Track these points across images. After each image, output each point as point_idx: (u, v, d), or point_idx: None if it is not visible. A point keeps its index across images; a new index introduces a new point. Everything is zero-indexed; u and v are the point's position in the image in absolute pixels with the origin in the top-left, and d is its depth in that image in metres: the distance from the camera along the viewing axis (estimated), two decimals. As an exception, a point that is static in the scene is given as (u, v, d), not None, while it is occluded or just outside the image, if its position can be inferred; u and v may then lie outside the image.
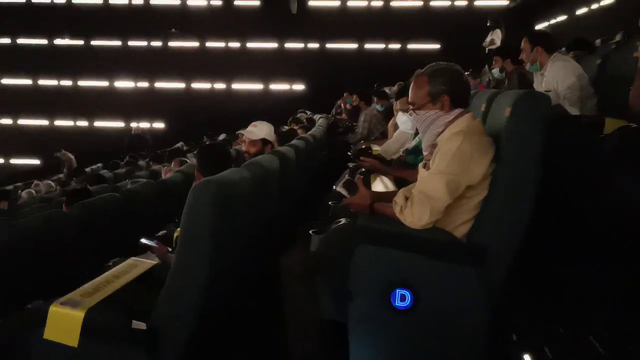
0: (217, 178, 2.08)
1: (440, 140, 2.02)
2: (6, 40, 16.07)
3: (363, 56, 14.33)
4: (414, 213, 1.92)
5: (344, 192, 2.25)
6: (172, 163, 5.78)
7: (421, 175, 2.10)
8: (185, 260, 1.97)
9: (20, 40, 16.03)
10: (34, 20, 15.71)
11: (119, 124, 15.50)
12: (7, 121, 16.04)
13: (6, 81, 16.10)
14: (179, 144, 11.92)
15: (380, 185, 2.89)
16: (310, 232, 2.10)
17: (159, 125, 15.47)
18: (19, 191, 9.13)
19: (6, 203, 6.54)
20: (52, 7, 15.87)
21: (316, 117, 8.83)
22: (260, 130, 3.69)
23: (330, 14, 14.50)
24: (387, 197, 2.19)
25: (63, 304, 2.07)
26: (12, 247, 2.60)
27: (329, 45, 14.60)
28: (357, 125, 6.52)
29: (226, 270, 2.14)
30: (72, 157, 12.56)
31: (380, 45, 14.51)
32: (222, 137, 11.16)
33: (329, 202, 2.81)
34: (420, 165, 2.18)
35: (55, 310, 2.04)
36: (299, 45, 14.74)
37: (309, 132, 5.33)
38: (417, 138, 3.29)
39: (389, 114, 5.96)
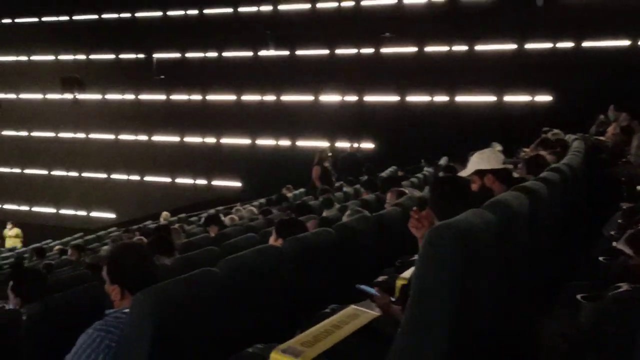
0: (458, 222, 2.13)
1: None
2: (213, 55, 18.71)
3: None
4: None
5: (627, 249, 2.11)
6: (388, 194, 6.02)
7: None
8: (418, 320, 2.04)
9: (226, 54, 18.50)
10: (240, 31, 17.98)
11: (323, 144, 16.73)
12: (211, 140, 18.53)
13: (211, 97, 18.66)
14: (391, 169, 12.25)
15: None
16: (580, 297, 2.02)
17: (368, 145, 16.25)
18: (222, 216, 10.39)
19: (216, 229, 7.56)
20: (257, 15, 18.00)
21: (569, 137, 8.35)
22: (470, 164, 3.72)
23: (589, 3, 13.69)
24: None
25: (284, 351, 2.35)
26: (226, 284, 3.00)
27: (587, 44, 13.79)
28: (630, 152, 6.03)
29: (469, 336, 2.16)
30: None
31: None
32: (443, 161, 11.23)
33: (600, 258, 2.66)
34: None
35: (277, 358, 2.32)
36: (545, 45, 14.21)
37: (562, 161, 5.08)
38: None
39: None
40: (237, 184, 18.13)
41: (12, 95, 21.73)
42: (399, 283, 3.28)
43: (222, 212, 12.00)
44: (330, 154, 12.78)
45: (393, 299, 3.09)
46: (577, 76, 13.12)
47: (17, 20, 22.21)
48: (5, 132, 22.03)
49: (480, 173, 3.85)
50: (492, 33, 14.61)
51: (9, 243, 17.59)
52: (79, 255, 9.73)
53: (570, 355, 1.91)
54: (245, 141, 18.01)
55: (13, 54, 22.07)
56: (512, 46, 14.60)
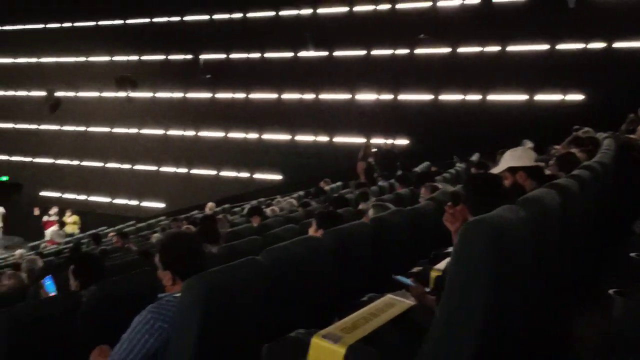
0: (492, 217, 2.08)
1: None
2: (255, 55, 18.83)
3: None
4: None
5: (660, 247, 2.06)
6: (422, 189, 5.97)
7: None
8: (453, 312, 2.01)
9: (267, 54, 18.60)
10: (281, 33, 18.05)
11: (359, 140, 16.69)
12: (254, 136, 18.67)
13: (254, 95, 18.79)
14: (424, 164, 12.14)
15: None
16: (611, 292, 1.96)
17: (403, 141, 16.13)
18: (263, 207, 10.47)
19: (258, 219, 7.62)
20: (298, 18, 18.03)
21: (599, 135, 8.11)
22: (502, 162, 3.66)
23: (621, 4, 13.28)
24: None
25: (325, 337, 2.37)
26: (270, 272, 3.02)
27: (618, 44, 13.38)
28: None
29: (501, 332, 2.13)
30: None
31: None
32: (474, 157, 11.07)
33: (631, 254, 2.58)
34: None
35: (318, 342, 2.34)
36: (576, 45, 13.87)
37: (594, 159, 4.94)
38: None
39: None
40: (278, 177, 18.24)
41: (71, 94, 22.24)
42: (434, 274, 3.26)
43: (263, 203, 12.09)
44: (374, 150, 12.76)
45: (428, 290, 3.07)
46: (609, 76, 12.77)
47: (76, 24, 22.73)
48: (65, 128, 22.61)
49: (512, 170, 3.80)
50: (524, 34, 14.29)
51: (67, 229, 18.07)
52: (123, 242, 9.93)
53: (603, 351, 1.86)
54: (285, 137, 18.09)
55: (72, 56, 22.59)
56: (544, 47, 14.26)
